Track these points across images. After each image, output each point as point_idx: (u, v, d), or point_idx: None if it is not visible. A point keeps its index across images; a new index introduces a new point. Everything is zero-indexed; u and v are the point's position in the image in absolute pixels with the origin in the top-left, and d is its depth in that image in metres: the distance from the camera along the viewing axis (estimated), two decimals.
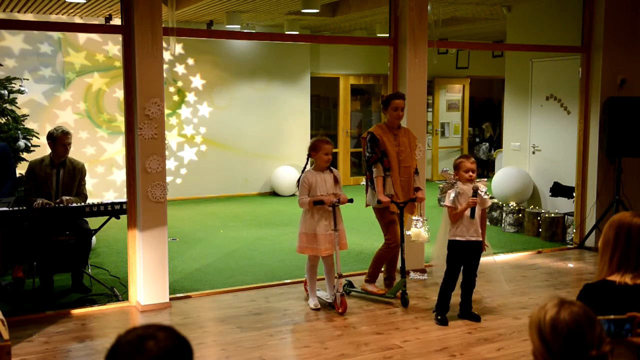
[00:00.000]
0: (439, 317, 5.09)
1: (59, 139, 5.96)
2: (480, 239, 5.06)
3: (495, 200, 9.23)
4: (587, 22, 7.53)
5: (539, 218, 8.37)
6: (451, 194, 5.01)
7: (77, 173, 6.06)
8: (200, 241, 8.16)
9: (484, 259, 5.24)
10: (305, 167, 5.49)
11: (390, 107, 5.58)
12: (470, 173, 5.02)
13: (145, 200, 5.43)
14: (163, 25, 5.41)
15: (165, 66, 8.34)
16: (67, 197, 5.80)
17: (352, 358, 4.45)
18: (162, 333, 1.60)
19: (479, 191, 4.97)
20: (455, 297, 5.18)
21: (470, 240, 5.01)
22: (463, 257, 5.05)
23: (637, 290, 2.58)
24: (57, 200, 5.79)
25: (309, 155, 5.45)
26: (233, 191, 11.75)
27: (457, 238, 5.02)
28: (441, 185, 7.20)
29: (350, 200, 5.39)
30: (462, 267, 5.10)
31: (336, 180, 5.41)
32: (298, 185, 5.42)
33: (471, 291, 5.17)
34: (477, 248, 5.06)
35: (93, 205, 5.74)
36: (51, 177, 5.96)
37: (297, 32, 10.72)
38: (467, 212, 4.96)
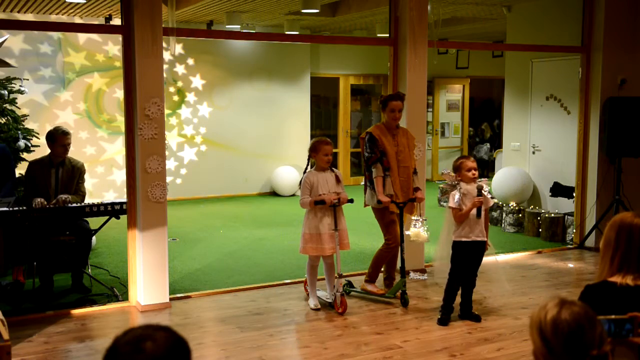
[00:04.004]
0: (439, 317, 5.09)
1: (59, 140, 5.94)
2: (485, 239, 5.07)
3: (496, 200, 9.23)
4: (587, 22, 7.53)
5: (539, 218, 8.37)
6: (455, 195, 5.00)
7: (75, 172, 6.04)
8: (200, 241, 8.16)
9: (485, 259, 5.24)
10: (306, 168, 5.49)
11: (388, 108, 5.58)
12: (473, 171, 5.03)
13: (145, 200, 5.43)
14: (163, 25, 5.41)
15: (165, 66, 8.34)
16: (64, 196, 5.78)
17: (352, 358, 4.45)
18: (160, 333, 1.60)
19: (482, 190, 4.97)
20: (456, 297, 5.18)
21: (476, 240, 5.02)
22: (468, 257, 5.06)
23: (638, 292, 2.58)
24: (53, 201, 5.77)
25: (309, 157, 5.46)
26: (233, 191, 11.75)
27: (463, 239, 5.02)
28: (442, 186, 7.18)
29: (351, 201, 5.40)
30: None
31: (338, 180, 5.42)
32: (300, 186, 5.43)
33: (471, 291, 5.17)
34: (481, 248, 5.07)
35: (93, 205, 5.73)
36: (50, 177, 5.95)
37: (297, 32, 10.72)
38: (473, 212, 4.96)
